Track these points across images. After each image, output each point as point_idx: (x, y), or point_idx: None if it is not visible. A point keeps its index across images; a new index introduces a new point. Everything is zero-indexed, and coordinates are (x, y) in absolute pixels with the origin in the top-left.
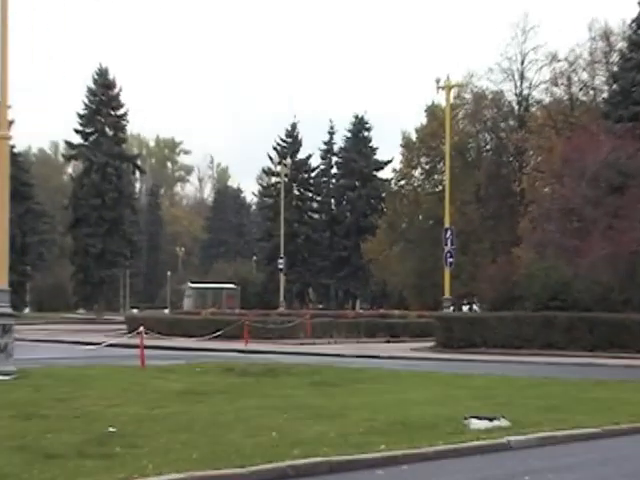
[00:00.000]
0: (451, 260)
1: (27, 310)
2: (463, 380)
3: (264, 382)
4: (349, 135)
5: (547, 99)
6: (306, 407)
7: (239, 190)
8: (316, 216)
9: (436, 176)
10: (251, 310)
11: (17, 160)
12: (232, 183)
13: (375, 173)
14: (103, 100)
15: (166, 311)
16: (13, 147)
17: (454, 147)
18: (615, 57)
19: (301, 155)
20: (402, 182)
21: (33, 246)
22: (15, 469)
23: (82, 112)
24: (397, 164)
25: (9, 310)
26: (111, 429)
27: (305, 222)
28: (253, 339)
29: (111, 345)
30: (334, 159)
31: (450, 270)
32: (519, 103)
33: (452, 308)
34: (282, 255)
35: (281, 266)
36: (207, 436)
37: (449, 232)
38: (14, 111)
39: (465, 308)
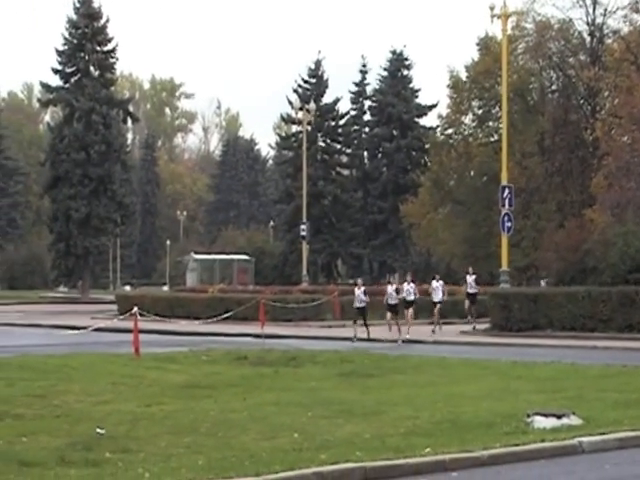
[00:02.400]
0: (509, 225)
1: None
2: (524, 369)
3: (284, 373)
4: (385, 74)
5: (626, 28)
6: (335, 403)
7: (252, 141)
8: (346, 172)
9: (491, 123)
10: (268, 286)
11: None
12: (244, 133)
13: (417, 120)
14: (86, 33)
15: (165, 288)
16: None
17: (512, 88)
18: None
19: (327, 99)
20: (449, 131)
21: (3, 210)
22: None
23: (61, 48)
24: (443, 109)
25: None
26: (99, 431)
27: (332, 179)
28: (270, 321)
29: (99, 329)
30: (367, 103)
31: (508, 237)
32: (591, 34)
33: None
34: (305, 220)
35: (304, 233)
36: (215, 438)
37: (507, 191)
38: None
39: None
